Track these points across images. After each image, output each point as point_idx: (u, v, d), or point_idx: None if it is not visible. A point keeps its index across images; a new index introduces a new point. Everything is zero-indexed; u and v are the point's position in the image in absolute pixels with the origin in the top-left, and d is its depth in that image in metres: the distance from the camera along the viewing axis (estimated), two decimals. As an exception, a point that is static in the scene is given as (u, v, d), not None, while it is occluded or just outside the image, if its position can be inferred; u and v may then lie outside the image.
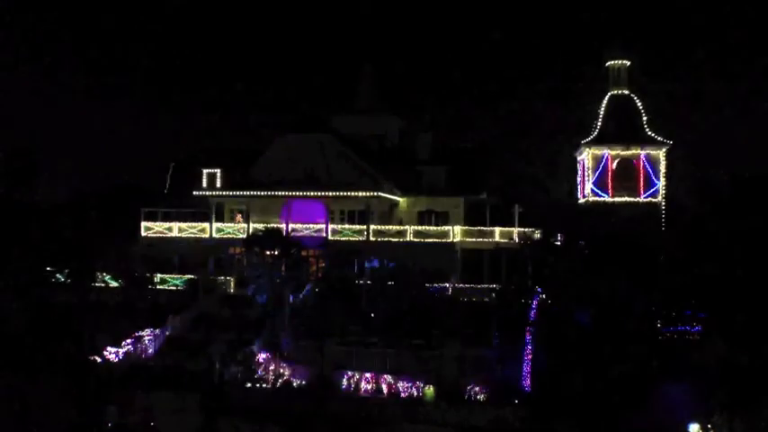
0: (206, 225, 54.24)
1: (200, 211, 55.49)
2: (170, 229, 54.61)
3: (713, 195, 40.63)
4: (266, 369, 38.53)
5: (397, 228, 52.49)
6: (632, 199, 54.23)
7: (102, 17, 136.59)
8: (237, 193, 55.26)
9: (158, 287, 48.55)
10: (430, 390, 35.36)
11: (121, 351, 40.39)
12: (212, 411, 33.61)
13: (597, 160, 55.76)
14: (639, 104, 56.21)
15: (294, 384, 36.97)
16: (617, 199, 53.98)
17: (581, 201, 58.07)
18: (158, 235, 54.63)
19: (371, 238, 51.64)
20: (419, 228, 52.51)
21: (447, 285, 47.96)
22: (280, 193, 53.36)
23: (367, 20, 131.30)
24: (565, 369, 37.17)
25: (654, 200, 54.49)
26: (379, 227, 52.43)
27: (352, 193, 52.33)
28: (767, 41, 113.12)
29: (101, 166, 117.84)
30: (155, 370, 39.36)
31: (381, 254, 50.47)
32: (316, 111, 66.12)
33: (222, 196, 55.56)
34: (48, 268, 41.32)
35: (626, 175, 54.84)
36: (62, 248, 39.84)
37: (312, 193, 53.23)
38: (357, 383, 36.02)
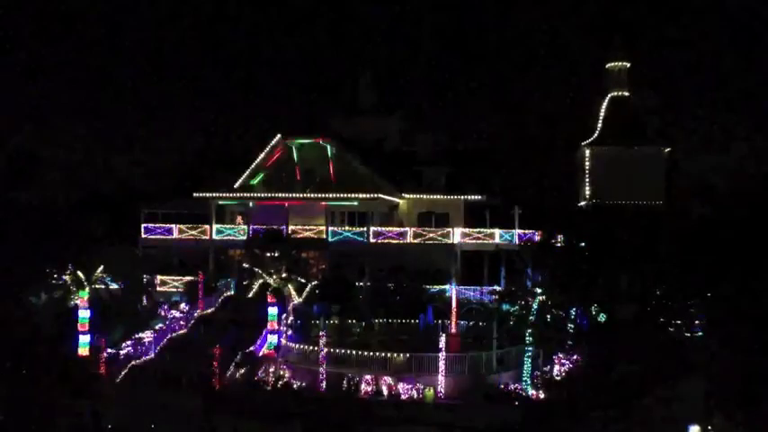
0: (206, 227, 54.28)
1: (201, 213, 55.53)
2: (170, 231, 54.65)
3: (714, 197, 40.57)
4: (266, 371, 38.48)
5: (398, 229, 52.46)
6: (632, 200, 54.19)
7: (102, 18, 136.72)
8: (238, 195, 55.55)
9: (158, 288, 48.98)
10: (430, 391, 35.29)
11: (122, 352, 40.42)
12: (212, 412, 33.57)
13: (597, 161, 55.79)
14: (639, 106, 56.27)
15: (294, 386, 36.89)
16: (617, 200, 53.96)
17: (581, 202, 58.08)
18: (159, 236, 54.70)
19: (371, 240, 51.62)
20: (419, 229, 52.50)
21: (447, 287, 47.92)
22: (280, 195, 53.42)
23: (367, 20, 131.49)
24: (565, 370, 37.34)
25: (654, 202, 54.48)
26: (379, 228, 52.42)
27: (353, 195, 52.34)
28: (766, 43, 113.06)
29: (102, 167, 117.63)
30: (155, 371, 39.34)
31: (381, 256, 50.52)
32: (316, 113, 66.28)
33: (222, 198, 55.61)
34: (48, 269, 41.29)
35: (626, 177, 54.84)
36: (63, 249, 39.77)
37: (312, 195, 53.32)
38: (357, 385, 35.93)
